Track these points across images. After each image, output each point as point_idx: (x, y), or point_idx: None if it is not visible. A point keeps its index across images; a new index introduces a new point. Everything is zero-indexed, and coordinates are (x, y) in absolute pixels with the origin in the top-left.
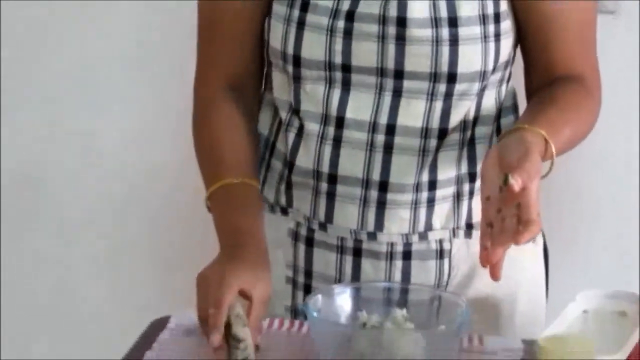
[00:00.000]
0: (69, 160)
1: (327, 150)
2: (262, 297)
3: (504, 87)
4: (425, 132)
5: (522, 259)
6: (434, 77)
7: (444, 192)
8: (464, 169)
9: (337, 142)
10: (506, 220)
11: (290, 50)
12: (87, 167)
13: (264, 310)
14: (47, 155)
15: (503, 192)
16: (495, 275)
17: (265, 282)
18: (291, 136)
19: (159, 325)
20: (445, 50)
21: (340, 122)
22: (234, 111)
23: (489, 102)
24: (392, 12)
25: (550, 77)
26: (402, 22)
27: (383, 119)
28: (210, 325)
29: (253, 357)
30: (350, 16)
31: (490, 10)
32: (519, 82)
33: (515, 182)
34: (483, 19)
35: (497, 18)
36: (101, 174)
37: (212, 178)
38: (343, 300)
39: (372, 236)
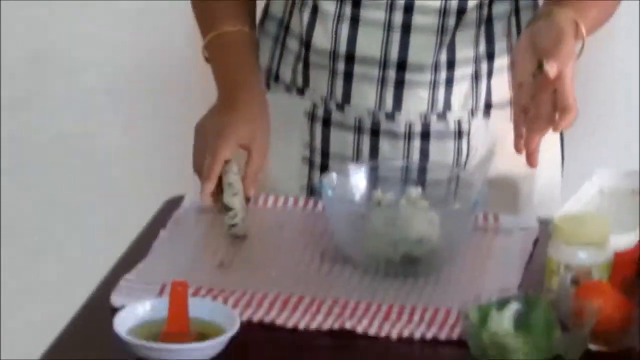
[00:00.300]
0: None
1: (344, 29)
2: (260, 150)
3: None
4: (443, 11)
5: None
6: None
7: (462, 72)
8: (482, 48)
9: (355, 21)
10: (541, 107)
11: None
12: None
13: (261, 162)
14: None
15: (537, 78)
16: (532, 163)
17: (263, 135)
18: (306, 16)
19: (173, 204)
20: None
21: (356, 1)
22: None
23: None
24: None
25: None
26: None
27: None
28: (204, 176)
29: (242, 224)
30: None
31: None
32: None
33: (551, 68)
34: None
35: None
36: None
37: (208, 27)
38: (358, 179)
39: (391, 116)
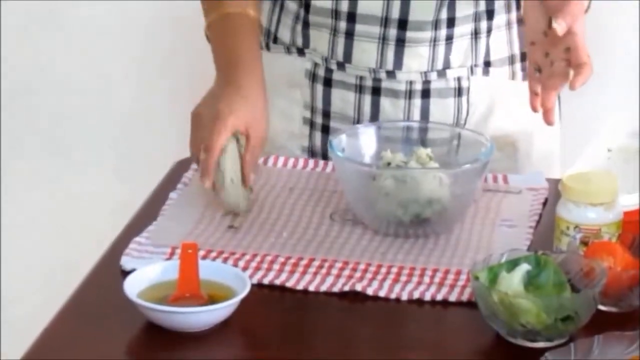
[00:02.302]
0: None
1: None
2: (259, 135)
3: None
4: None
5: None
6: None
7: (462, 30)
8: (482, 5)
9: None
10: (555, 64)
11: None
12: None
13: (260, 148)
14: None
15: (548, 36)
16: (549, 120)
17: (262, 121)
18: None
19: (182, 165)
20: None
21: None
22: None
23: None
24: None
25: None
26: None
27: None
28: (202, 170)
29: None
30: None
31: None
32: None
33: (559, 26)
34: None
35: None
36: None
37: (211, 8)
38: (367, 139)
39: (391, 75)
